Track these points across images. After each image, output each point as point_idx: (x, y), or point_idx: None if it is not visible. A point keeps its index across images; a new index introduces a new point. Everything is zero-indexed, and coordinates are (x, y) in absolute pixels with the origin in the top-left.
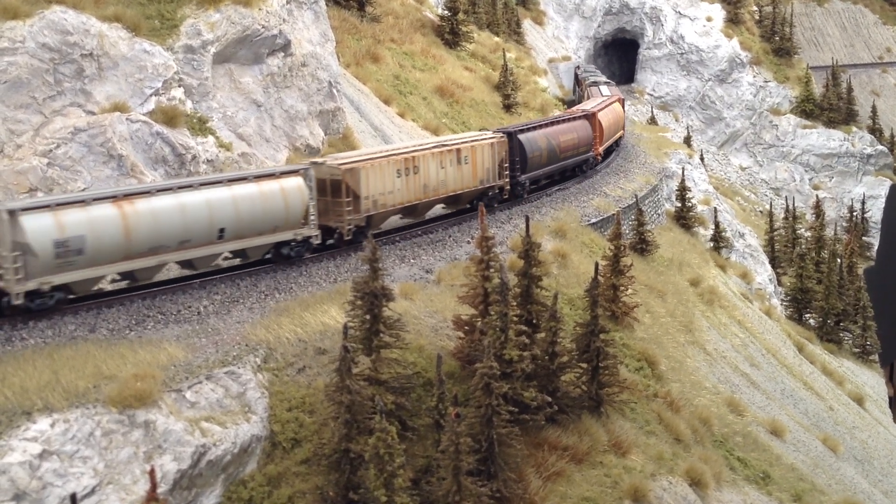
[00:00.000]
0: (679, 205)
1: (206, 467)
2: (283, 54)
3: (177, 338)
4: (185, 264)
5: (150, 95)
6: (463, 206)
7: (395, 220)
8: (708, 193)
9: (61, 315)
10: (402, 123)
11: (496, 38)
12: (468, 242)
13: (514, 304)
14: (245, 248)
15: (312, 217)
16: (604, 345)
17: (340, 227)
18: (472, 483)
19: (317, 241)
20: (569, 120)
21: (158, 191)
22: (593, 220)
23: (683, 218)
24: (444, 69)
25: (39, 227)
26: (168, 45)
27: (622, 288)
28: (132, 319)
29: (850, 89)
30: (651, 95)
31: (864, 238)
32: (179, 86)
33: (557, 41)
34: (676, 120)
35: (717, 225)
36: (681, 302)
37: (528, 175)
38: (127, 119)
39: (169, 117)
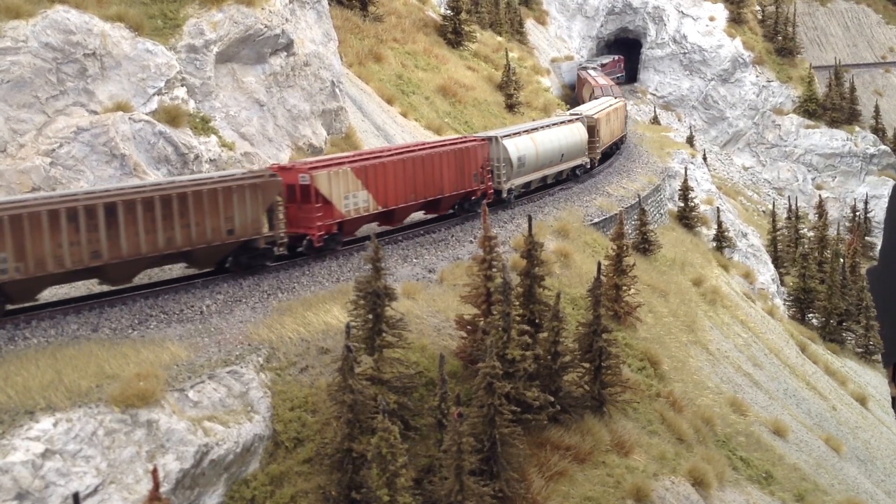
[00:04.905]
0: (682, 204)
1: (209, 467)
2: (285, 54)
3: (179, 337)
4: (543, 179)
5: (153, 95)
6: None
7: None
8: (711, 193)
9: (63, 314)
10: (404, 123)
11: (499, 38)
12: (471, 242)
13: (517, 303)
14: (564, 168)
15: (587, 150)
16: (606, 344)
17: (594, 157)
18: (475, 483)
19: (588, 166)
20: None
21: (541, 128)
22: (596, 220)
23: (686, 218)
24: (447, 69)
25: (513, 148)
26: (171, 44)
27: (625, 288)
28: (135, 319)
29: (852, 89)
30: (654, 95)
31: (867, 238)
32: (182, 85)
33: (560, 41)
34: (679, 120)
35: (719, 225)
36: (683, 302)
37: (625, 132)
38: (130, 118)
39: (171, 117)
